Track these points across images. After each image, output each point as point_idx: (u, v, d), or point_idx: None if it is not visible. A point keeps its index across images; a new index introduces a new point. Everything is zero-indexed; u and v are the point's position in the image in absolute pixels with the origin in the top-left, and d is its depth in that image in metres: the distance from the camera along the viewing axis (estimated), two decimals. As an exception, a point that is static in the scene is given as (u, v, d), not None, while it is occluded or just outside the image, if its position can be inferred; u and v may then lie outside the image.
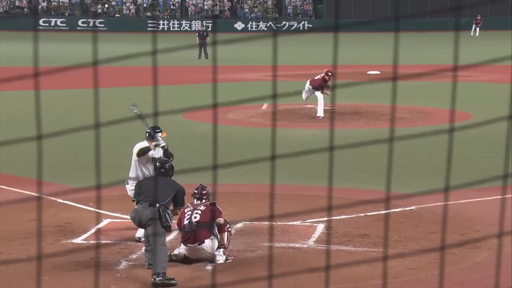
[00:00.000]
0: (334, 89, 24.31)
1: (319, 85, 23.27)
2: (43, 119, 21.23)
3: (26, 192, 14.47)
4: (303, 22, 75.52)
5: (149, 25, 73.25)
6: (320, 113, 23.36)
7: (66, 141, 18.85)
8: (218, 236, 10.90)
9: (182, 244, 10.92)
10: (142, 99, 27.39)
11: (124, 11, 76.01)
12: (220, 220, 10.90)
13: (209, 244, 10.84)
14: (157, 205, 10.30)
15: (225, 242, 10.95)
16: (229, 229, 11.16)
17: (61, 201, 13.81)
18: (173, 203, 10.58)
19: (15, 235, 11.99)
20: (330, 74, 23.06)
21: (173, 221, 10.57)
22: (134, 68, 34.83)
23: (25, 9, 74.38)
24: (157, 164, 10.97)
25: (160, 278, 10.02)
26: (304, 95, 23.64)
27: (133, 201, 10.79)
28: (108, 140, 18.42)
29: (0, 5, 73.99)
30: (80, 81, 28.68)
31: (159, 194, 10.49)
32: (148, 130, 11.73)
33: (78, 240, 11.91)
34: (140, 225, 10.53)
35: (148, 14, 75.96)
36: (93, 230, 12.33)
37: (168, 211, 10.41)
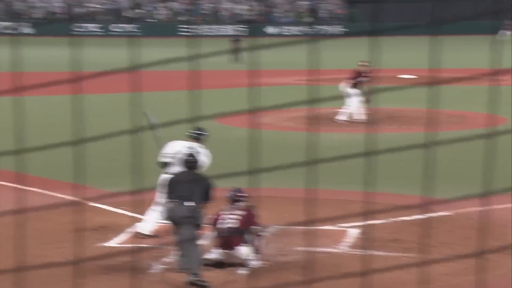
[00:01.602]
0: (372, 94, 24.20)
1: (356, 80, 23.17)
2: (80, 123, 21.41)
3: (63, 196, 14.63)
4: (337, 26, 75.35)
5: (182, 30, 73.59)
6: (343, 116, 23.26)
7: (102, 145, 18.97)
8: (252, 242, 10.88)
9: (216, 248, 10.92)
10: (177, 104, 27.54)
11: (158, 16, 76.49)
12: (256, 228, 10.87)
13: (243, 250, 10.82)
14: (190, 203, 10.27)
15: (259, 247, 10.94)
16: (264, 234, 11.15)
17: (96, 205, 13.92)
18: (203, 198, 10.46)
19: (51, 239, 12.13)
20: (363, 63, 22.91)
21: (205, 218, 10.55)
22: (169, 73, 35.03)
23: (61, 15, 75.19)
24: (184, 158, 10.89)
25: (194, 278, 10.03)
26: (351, 105, 23.48)
27: (164, 199, 10.70)
28: (144, 144, 18.51)
29: (37, 12, 74.90)
30: (115, 86, 28.89)
31: (190, 191, 10.37)
32: (197, 131, 11.97)
33: (113, 244, 12.00)
34: (174, 224, 10.46)
35: (182, 19, 76.34)
36: (127, 234, 12.42)
37: (200, 208, 10.37)
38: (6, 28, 68.64)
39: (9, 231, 12.16)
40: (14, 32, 67.17)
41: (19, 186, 15.39)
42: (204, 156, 11.86)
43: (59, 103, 27.09)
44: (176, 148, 12.04)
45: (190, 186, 10.43)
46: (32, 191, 15.11)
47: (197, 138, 12.09)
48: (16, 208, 13.47)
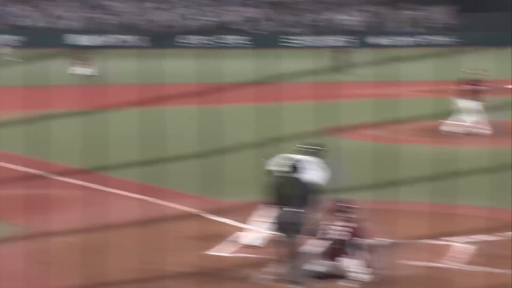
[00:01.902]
0: (494, 106, 23.56)
1: (469, 90, 22.71)
2: (204, 134, 21.52)
3: (180, 206, 14.93)
4: (448, 37, 74.00)
5: (290, 41, 73.83)
6: (458, 128, 22.80)
7: (224, 157, 19.03)
8: (361, 254, 10.77)
9: (322, 258, 10.81)
10: (293, 116, 27.41)
11: (267, 28, 77.08)
12: (367, 240, 10.76)
13: (350, 262, 10.73)
14: (295, 209, 10.25)
15: (370, 260, 10.81)
16: (375, 248, 11.02)
17: (209, 215, 14.13)
18: (308, 205, 10.45)
19: (164, 247, 12.38)
20: (474, 72, 22.41)
21: (312, 227, 10.53)
22: (281, 85, 34.99)
23: (174, 28, 76.98)
24: (290, 164, 10.89)
25: (297, 285, 10.00)
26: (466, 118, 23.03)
27: (270, 207, 10.73)
28: (261, 158, 18.51)
29: (153, 25, 77.01)
30: (237, 97, 28.80)
31: (297, 197, 10.39)
32: (316, 147, 12.18)
33: (220, 253, 12.15)
34: (279, 231, 10.49)
35: (291, 30, 76.66)
36: (235, 244, 12.55)
37: (306, 215, 10.34)
38: (124, 41, 70.94)
39: (125, 239, 12.52)
40: (131, 45, 69.31)
41: (138, 196, 15.80)
42: (319, 170, 11.88)
43: (187, 114, 27.27)
44: (285, 158, 12.11)
45: (295, 193, 10.44)
46: (148, 201, 15.47)
47: (313, 153, 12.19)
48: (133, 218, 13.87)
